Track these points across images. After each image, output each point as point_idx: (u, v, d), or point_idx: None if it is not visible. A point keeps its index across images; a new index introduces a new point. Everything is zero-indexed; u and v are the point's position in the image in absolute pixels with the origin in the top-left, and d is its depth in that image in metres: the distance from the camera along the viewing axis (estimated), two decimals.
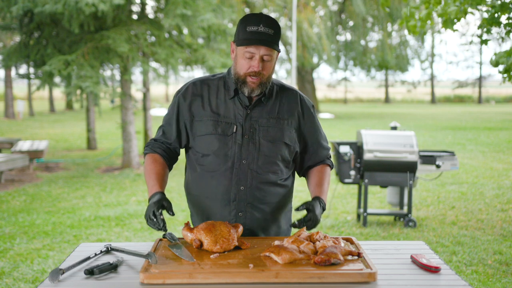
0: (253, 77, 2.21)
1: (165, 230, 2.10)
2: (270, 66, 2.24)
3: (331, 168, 2.51)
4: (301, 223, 2.20)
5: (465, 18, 5.28)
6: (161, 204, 2.15)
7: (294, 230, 5.21)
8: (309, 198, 2.37)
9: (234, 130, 2.27)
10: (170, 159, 2.40)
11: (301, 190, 7.70)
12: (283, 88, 2.39)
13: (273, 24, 2.21)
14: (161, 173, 2.30)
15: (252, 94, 2.25)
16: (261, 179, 2.28)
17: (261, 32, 2.17)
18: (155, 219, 2.09)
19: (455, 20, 5.33)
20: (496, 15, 5.22)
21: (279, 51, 2.25)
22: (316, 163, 2.45)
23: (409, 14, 5.69)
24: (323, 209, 2.29)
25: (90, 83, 8.60)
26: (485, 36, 5.52)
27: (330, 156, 2.52)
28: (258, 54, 2.18)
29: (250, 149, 2.27)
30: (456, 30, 5.46)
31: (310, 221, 2.20)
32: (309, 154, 2.43)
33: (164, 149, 2.37)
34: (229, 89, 2.31)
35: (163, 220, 2.10)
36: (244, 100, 2.29)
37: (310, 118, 2.40)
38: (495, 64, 5.30)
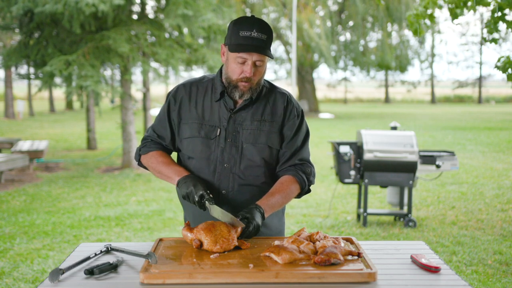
0: (244, 82, 2.19)
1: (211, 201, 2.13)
2: (261, 71, 2.22)
3: (302, 188, 2.31)
4: (244, 236, 2.09)
5: (474, 11, 5.24)
6: (206, 190, 2.16)
7: (294, 230, 5.20)
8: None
9: (218, 134, 2.25)
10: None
11: None
12: (272, 90, 2.34)
13: (266, 29, 2.18)
14: (174, 162, 2.35)
15: (243, 97, 2.23)
16: (243, 183, 2.26)
17: (254, 37, 2.14)
18: (206, 196, 2.12)
19: (458, 11, 5.32)
20: (498, 13, 5.20)
21: (272, 57, 2.20)
22: (285, 171, 2.32)
23: (414, 18, 5.63)
24: (262, 216, 2.15)
25: (91, 82, 8.60)
26: (490, 36, 5.50)
27: (310, 175, 2.33)
28: (250, 60, 2.16)
29: (232, 153, 2.25)
30: (459, 24, 5.48)
31: (251, 230, 2.08)
32: (281, 158, 2.32)
33: (161, 148, 2.38)
34: (215, 92, 2.29)
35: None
36: (229, 103, 2.27)
37: (292, 121, 2.31)
38: (504, 69, 5.24)
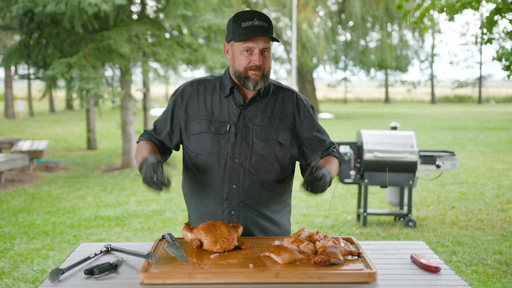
0: (255, 71, 2.21)
1: (169, 185, 2.02)
2: (269, 59, 2.25)
3: (339, 162, 2.39)
4: (310, 183, 2.06)
5: (461, 12, 5.31)
6: (159, 161, 2.06)
7: (294, 230, 5.20)
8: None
9: (227, 129, 2.26)
10: (162, 151, 2.38)
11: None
12: (279, 88, 2.37)
13: (266, 18, 2.22)
14: (154, 150, 2.28)
15: (257, 87, 2.23)
16: (254, 178, 2.27)
17: (256, 25, 2.17)
18: (158, 173, 1.99)
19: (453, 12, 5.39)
20: (496, 16, 5.23)
21: (278, 41, 2.23)
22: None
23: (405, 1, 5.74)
24: (330, 180, 2.13)
25: (93, 85, 8.61)
26: (486, 37, 5.54)
27: (335, 148, 2.40)
28: (257, 48, 2.18)
29: (243, 148, 2.26)
30: (453, 20, 5.54)
31: (321, 180, 2.05)
32: (310, 150, 2.35)
33: (158, 140, 2.38)
34: (224, 88, 2.31)
35: (167, 177, 2.02)
36: (239, 99, 2.29)
37: (307, 117, 2.36)
38: (499, 58, 5.30)
